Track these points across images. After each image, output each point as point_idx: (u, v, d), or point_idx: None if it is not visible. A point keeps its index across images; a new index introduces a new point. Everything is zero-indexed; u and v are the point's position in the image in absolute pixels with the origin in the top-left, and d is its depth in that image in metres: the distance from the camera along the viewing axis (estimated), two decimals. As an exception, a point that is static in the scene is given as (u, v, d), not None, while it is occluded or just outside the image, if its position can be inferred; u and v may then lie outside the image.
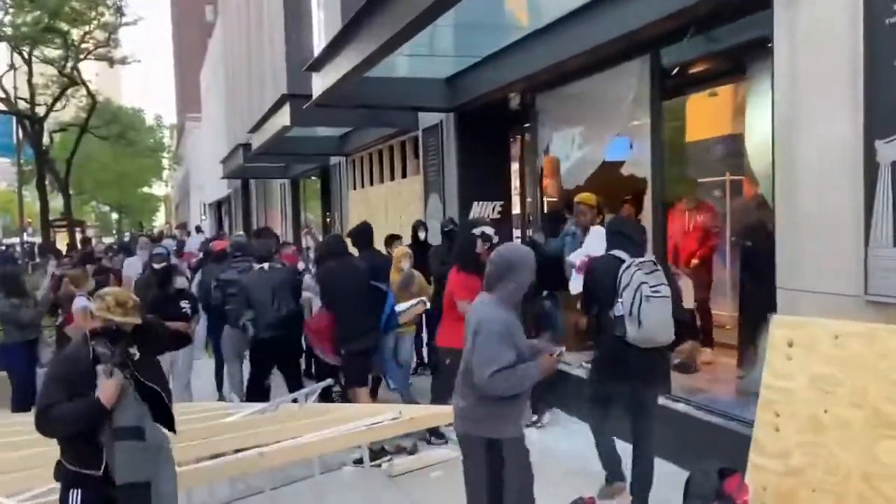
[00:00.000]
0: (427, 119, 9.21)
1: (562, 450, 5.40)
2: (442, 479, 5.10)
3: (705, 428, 4.88)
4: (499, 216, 8.71)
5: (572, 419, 6.08)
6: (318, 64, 7.55)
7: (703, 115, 6.30)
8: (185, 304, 6.63)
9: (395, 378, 6.53)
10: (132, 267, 9.74)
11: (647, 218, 5.55)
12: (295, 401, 5.39)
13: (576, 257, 5.56)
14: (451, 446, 5.44)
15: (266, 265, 6.56)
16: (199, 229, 34.63)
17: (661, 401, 4.63)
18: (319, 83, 7.78)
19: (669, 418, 4.85)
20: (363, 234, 7.09)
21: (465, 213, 8.59)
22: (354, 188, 13.05)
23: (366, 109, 8.97)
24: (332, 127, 10.94)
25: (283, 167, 17.59)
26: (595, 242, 5.11)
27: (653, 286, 3.96)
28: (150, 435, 3.12)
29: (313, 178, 17.63)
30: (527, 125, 8.74)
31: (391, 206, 11.08)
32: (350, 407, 5.41)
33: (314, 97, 7.82)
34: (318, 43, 12.20)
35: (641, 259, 4.09)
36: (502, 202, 8.77)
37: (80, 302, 7.01)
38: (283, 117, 9.66)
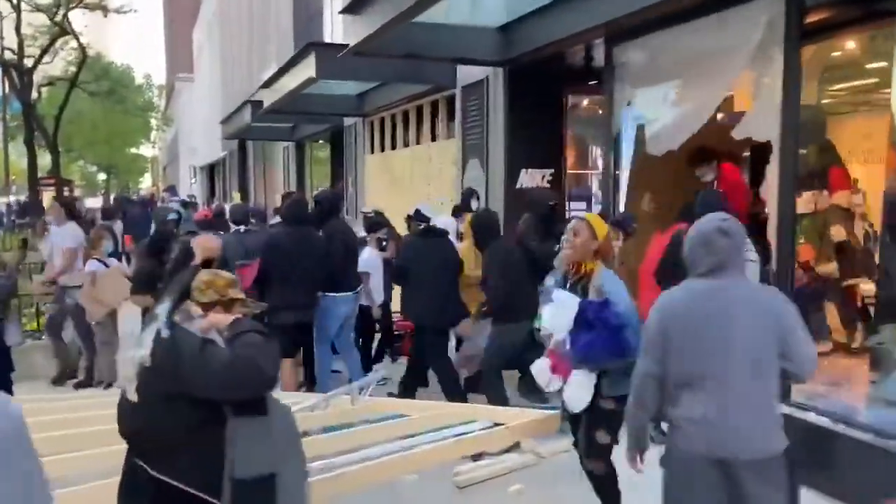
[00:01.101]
0: (468, 75, 8.23)
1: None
2: (525, 495, 4.25)
3: (845, 444, 4.08)
4: (548, 185, 7.84)
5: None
6: (357, 5, 6.54)
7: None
8: None
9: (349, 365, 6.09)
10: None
11: (770, 194, 4.66)
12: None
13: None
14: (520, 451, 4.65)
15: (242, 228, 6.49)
16: (192, 198, 33.60)
17: (786, 409, 3.85)
18: (358, 28, 6.77)
19: (796, 430, 4.05)
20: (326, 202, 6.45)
21: (512, 182, 7.69)
22: (372, 152, 12.05)
23: (400, 62, 7.97)
24: (360, 81, 9.89)
25: (288, 129, 16.52)
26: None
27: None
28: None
29: (321, 141, 16.58)
30: (592, 82, 7.86)
31: (417, 173, 10.12)
32: (411, 405, 4.51)
33: (352, 44, 6.81)
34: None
35: None
36: (552, 170, 7.87)
37: (91, 265, 6.09)
38: (307, 69, 8.62)
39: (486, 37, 7.15)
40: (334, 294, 6.00)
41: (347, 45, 8.76)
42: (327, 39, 13.19)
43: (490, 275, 5.34)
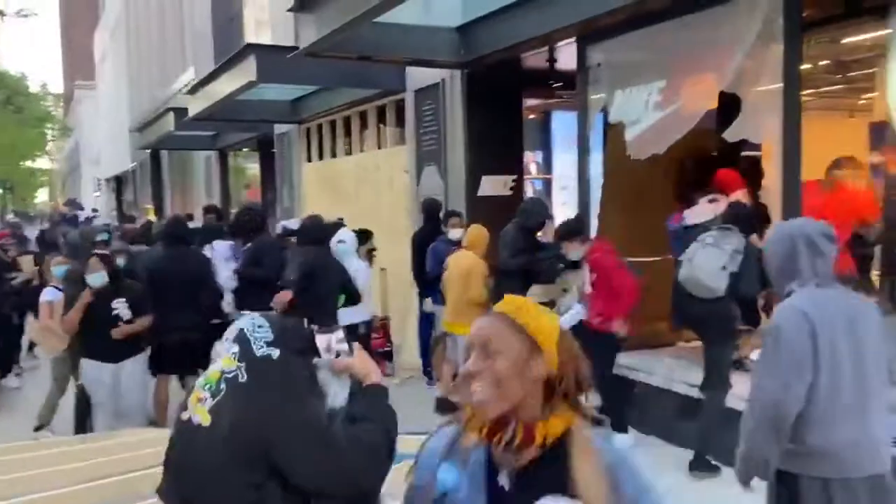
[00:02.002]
0: (420, 78, 7.84)
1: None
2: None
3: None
4: (511, 192, 7.54)
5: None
6: (308, 2, 6.04)
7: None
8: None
9: None
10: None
11: (772, 193, 4.50)
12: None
13: None
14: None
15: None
16: (80, 207, 31.67)
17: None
18: (308, 28, 6.27)
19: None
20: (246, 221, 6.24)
21: (474, 189, 7.35)
22: (310, 160, 11.45)
23: (346, 64, 7.49)
24: (302, 85, 9.31)
25: (210, 137, 15.64)
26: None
27: (714, 237, 4.47)
28: None
29: (246, 149, 15.78)
30: (556, 84, 7.64)
31: (364, 182, 9.62)
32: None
33: (302, 46, 6.30)
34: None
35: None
36: (514, 176, 7.58)
37: (47, 294, 5.31)
38: (246, 72, 8.01)
39: (444, 38, 6.80)
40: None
41: (288, 47, 8.28)
42: (248, 41, 12.53)
43: None
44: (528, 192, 8.38)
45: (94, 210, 32.14)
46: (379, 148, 9.41)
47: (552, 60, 7.07)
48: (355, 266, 6.13)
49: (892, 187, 5.76)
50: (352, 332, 6.34)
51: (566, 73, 7.01)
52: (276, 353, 1.81)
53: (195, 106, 10.64)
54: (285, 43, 9.61)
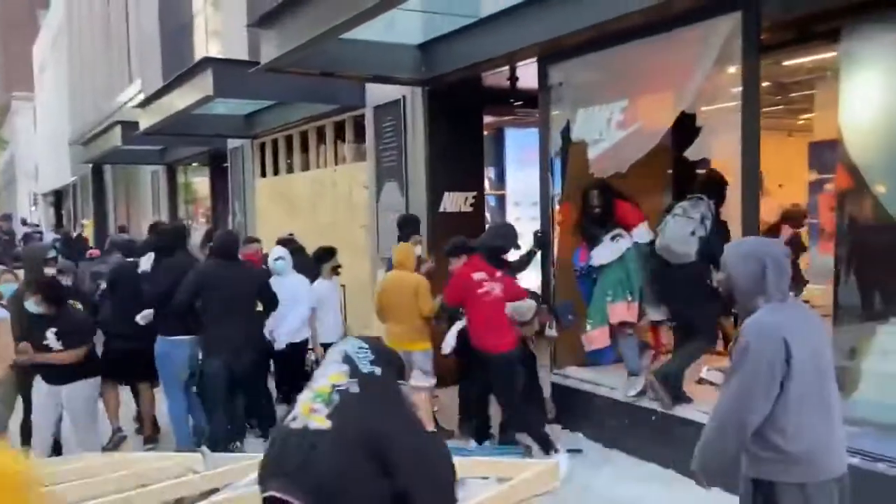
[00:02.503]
0: (380, 95, 7.84)
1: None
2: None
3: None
4: (471, 209, 7.60)
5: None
6: (273, 18, 5.99)
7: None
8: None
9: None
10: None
11: (732, 212, 4.64)
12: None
13: None
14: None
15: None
16: (24, 222, 30.58)
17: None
18: (269, 43, 6.22)
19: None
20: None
21: (435, 205, 7.38)
22: (263, 176, 11.30)
23: (305, 80, 7.43)
24: (260, 100, 9.19)
25: (157, 151, 15.30)
26: None
27: (683, 207, 4.93)
28: None
29: (195, 164, 15.49)
30: (517, 103, 7.74)
31: (321, 198, 9.54)
32: None
33: (263, 61, 6.24)
34: None
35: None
36: (475, 193, 7.64)
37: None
38: (202, 87, 7.88)
39: (406, 55, 6.82)
40: (171, 337, 5.52)
41: (245, 61, 8.19)
42: (199, 55, 12.33)
43: None
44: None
45: (37, 225, 30.99)
46: (337, 164, 9.35)
47: (513, 79, 7.16)
48: (291, 282, 6.19)
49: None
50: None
51: (527, 92, 7.11)
52: (378, 370, 2.17)
53: (145, 120, 10.41)
54: (237, 55, 9.53)
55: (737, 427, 2.54)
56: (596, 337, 5.50)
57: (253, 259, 6.47)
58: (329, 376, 2.13)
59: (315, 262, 6.54)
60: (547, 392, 5.94)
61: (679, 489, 4.52)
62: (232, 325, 5.30)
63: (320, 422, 2.03)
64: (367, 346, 2.21)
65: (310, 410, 2.07)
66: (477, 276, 5.23)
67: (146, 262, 5.96)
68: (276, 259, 6.30)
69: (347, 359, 2.16)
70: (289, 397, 6.26)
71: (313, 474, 1.98)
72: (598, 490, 4.68)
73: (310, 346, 6.48)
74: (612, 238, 5.41)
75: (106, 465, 3.76)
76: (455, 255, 5.57)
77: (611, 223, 5.46)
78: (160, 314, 5.53)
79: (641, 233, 5.40)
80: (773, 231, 6.51)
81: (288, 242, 7.06)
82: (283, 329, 6.12)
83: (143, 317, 5.58)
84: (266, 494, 2.06)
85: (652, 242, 5.16)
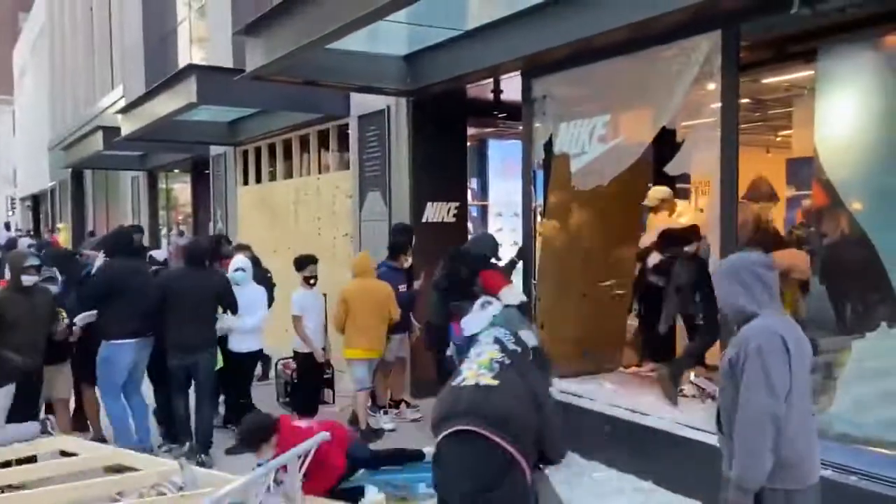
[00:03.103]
0: (364, 104, 7.87)
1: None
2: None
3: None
4: (454, 219, 7.63)
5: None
6: (259, 26, 6.01)
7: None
8: None
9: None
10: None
11: (711, 224, 4.71)
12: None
13: None
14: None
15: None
16: (7, 226, 30.21)
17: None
18: (255, 51, 6.23)
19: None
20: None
21: (418, 215, 7.40)
22: (246, 183, 11.27)
23: (289, 88, 7.44)
24: (243, 107, 9.18)
25: (138, 157, 15.21)
26: None
27: None
28: None
29: (177, 171, 15.41)
30: (500, 115, 7.80)
31: (304, 206, 9.54)
32: None
33: (249, 69, 6.25)
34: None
35: None
36: (458, 203, 7.68)
37: None
38: (186, 93, 7.86)
39: (391, 66, 6.86)
40: (113, 341, 5.62)
41: (228, 69, 8.19)
42: (183, 62, 12.29)
43: None
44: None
45: (18, 229, 30.55)
46: (320, 172, 9.36)
47: (497, 91, 7.23)
48: (249, 291, 6.35)
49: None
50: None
51: (511, 104, 7.18)
52: (518, 349, 3.02)
53: (127, 125, 10.35)
54: (222, 62, 9.52)
55: (773, 420, 2.52)
56: None
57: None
58: (488, 353, 2.95)
59: (296, 270, 6.53)
60: None
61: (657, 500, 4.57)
62: (191, 328, 5.62)
63: (488, 380, 2.82)
64: (509, 332, 3.07)
65: (476, 374, 2.86)
66: None
67: (96, 265, 6.20)
68: (236, 270, 6.38)
69: (498, 341, 3.02)
70: (236, 404, 6.31)
71: (490, 412, 2.72)
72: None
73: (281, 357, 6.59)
74: (483, 305, 5.37)
75: (96, 459, 3.74)
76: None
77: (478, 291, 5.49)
78: (102, 317, 5.62)
79: (507, 295, 5.39)
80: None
81: (245, 250, 7.16)
82: (234, 336, 6.30)
83: (82, 318, 5.64)
84: (449, 431, 2.76)
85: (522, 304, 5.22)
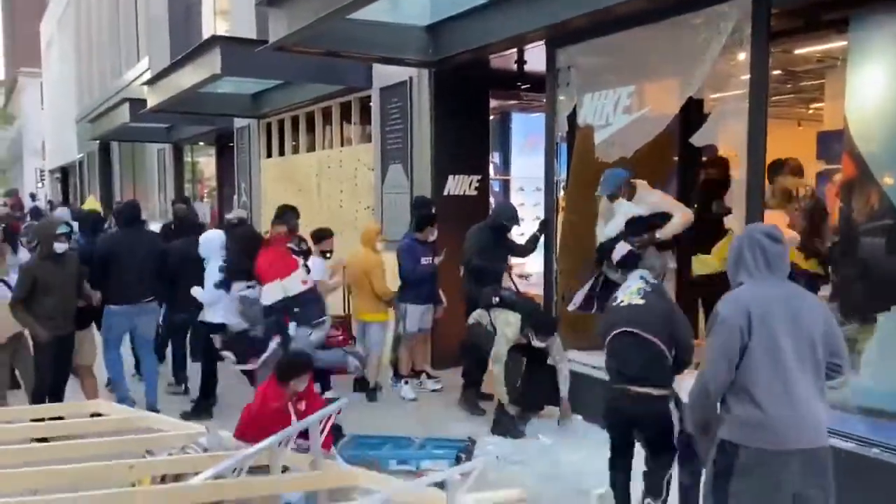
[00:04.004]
0: (386, 76, 7.83)
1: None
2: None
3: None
4: (476, 192, 7.61)
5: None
6: (280, -5, 5.97)
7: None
8: None
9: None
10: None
11: (737, 197, 4.64)
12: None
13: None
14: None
15: None
16: (33, 197, 30.66)
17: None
18: (277, 22, 6.21)
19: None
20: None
21: (440, 188, 7.39)
22: (269, 156, 11.32)
23: (311, 60, 7.42)
24: (266, 79, 9.19)
25: (164, 129, 15.31)
26: None
27: None
28: None
29: (202, 143, 15.51)
30: (523, 86, 7.73)
31: (326, 179, 9.56)
32: (378, 478, 3.41)
33: (272, 39, 6.23)
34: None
35: None
36: (480, 177, 7.65)
37: None
38: (210, 65, 7.87)
39: (413, 36, 6.80)
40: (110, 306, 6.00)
41: (252, 40, 8.18)
42: (206, 33, 12.29)
43: None
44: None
45: (50, 200, 30.95)
46: (342, 145, 9.36)
47: (520, 62, 7.14)
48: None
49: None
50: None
51: (534, 75, 7.10)
52: (655, 284, 3.98)
53: (153, 97, 10.41)
54: (245, 34, 9.52)
55: (702, 391, 2.81)
56: None
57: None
58: (637, 284, 3.90)
59: (314, 243, 6.56)
60: (564, 390, 5.63)
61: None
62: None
63: (638, 300, 3.80)
64: (647, 274, 4.00)
65: (629, 297, 3.84)
66: None
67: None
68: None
69: (642, 278, 3.94)
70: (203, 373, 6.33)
71: (641, 320, 3.72)
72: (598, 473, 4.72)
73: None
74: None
75: (116, 421, 3.83)
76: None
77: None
78: (102, 284, 5.88)
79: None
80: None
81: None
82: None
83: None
84: (615, 332, 3.78)
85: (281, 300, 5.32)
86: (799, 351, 2.69)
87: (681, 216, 5.05)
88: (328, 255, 6.58)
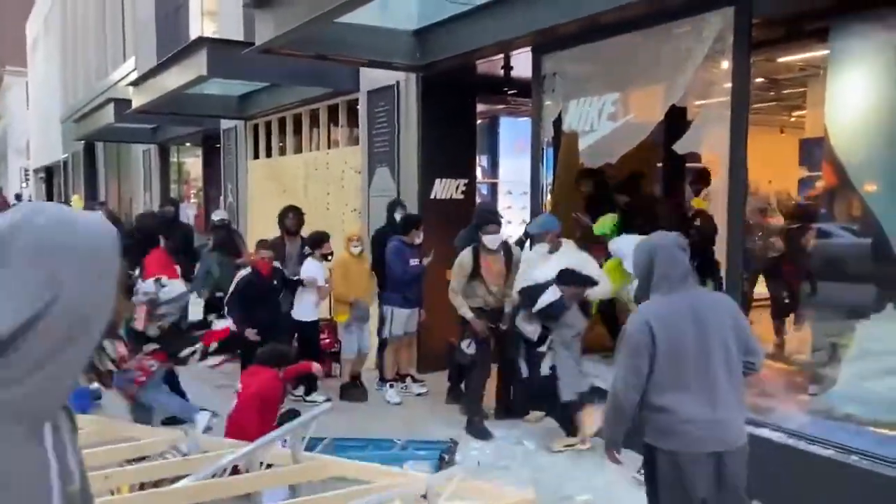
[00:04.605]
0: (374, 79, 7.84)
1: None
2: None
3: (796, 457, 4.14)
4: (462, 196, 7.63)
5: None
6: (267, -2, 5.98)
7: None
8: None
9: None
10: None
11: (719, 204, 4.69)
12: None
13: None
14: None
15: None
16: (18, 197, 30.37)
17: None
18: (264, 24, 6.20)
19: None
20: None
21: (427, 191, 7.41)
22: (256, 158, 11.29)
23: (299, 62, 7.41)
24: (252, 81, 9.17)
25: (150, 130, 15.24)
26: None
27: None
28: None
29: (188, 144, 15.44)
30: (510, 92, 7.77)
31: (313, 181, 9.55)
32: (370, 469, 3.41)
33: (259, 42, 6.23)
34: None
35: None
36: (467, 181, 7.67)
37: None
38: (196, 66, 7.85)
39: (401, 40, 6.82)
40: None
41: (239, 42, 8.16)
42: (194, 34, 12.24)
43: None
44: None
45: (18, 196, 30.74)
46: (330, 147, 9.36)
47: (507, 68, 7.18)
48: None
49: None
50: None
51: (520, 81, 7.14)
52: None
53: (138, 98, 10.36)
54: (233, 36, 9.48)
55: (613, 403, 2.95)
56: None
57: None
58: None
59: (310, 247, 6.63)
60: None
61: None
62: None
63: None
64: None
65: None
66: None
67: None
68: None
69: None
70: None
71: None
72: (578, 479, 4.76)
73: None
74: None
75: (89, 432, 3.78)
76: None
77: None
78: None
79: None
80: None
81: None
82: None
83: None
84: None
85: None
86: (707, 355, 2.78)
87: (607, 285, 5.17)
88: (329, 257, 6.65)
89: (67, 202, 25.43)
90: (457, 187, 7.55)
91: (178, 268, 6.01)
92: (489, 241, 5.49)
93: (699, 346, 2.79)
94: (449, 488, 2.83)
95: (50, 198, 31.73)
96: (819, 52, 5.06)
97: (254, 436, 3.62)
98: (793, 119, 9.34)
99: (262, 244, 6.58)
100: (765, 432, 4.26)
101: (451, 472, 3.06)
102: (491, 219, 5.65)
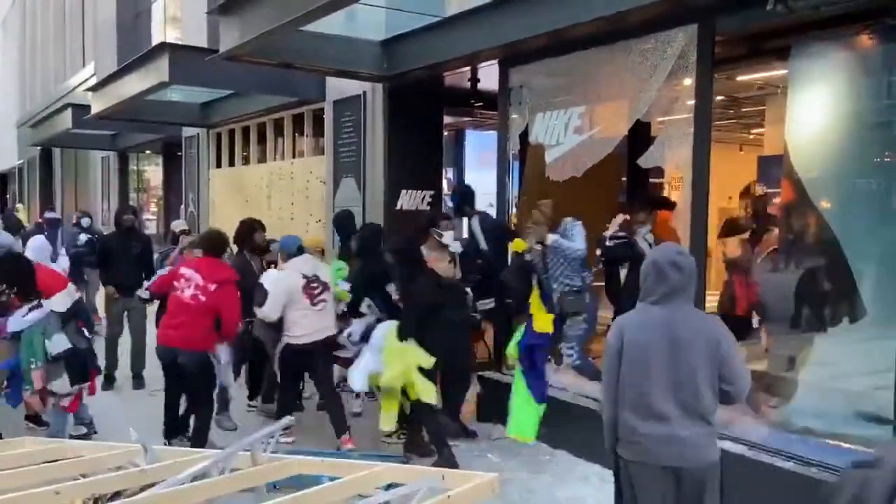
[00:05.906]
0: (340, 89, 7.80)
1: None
2: None
3: (760, 470, 4.18)
4: (428, 207, 7.61)
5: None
6: (233, 5, 5.90)
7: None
8: None
9: None
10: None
11: (681, 219, 4.74)
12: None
13: None
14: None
15: None
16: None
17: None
18: (229, 31, 6.12)
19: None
20: None
21: (392, 202, 7.37)
22: (219, 166, 11.13)
23: (264, 70, 7.32)
24: (216, 89, 9.04)
25: (109, 137, 14.93)
26: None
27: None
28: None
29: (148, 151, 15.18)
30: (477, 104, 7.79)
31: (277, 191, 9.44)
32: (332, 465, 3.72)
33: (223, 49, 6.14)
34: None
35: None
36: (433, 192, 7.66)
37: None
38: (157, 72, 7.71)
39: (367, 51, 6.79)
40: None
41: (202, 48, 8.06)
42: (156, 40, 12.07)
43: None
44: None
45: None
46: (294, 157, 9.27)
47: (474, 80, 7.20)
48: None
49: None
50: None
51: (487, 94, 7.16)
52: None
53: (98, 103, 10.14)
54: (195, 42, 9.36)
55: (602, 408, 3.01)
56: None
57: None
58: None
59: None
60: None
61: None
62: None
63: None
64: None
65: None
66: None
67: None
68: None
69: None
70: None
71: None
72: (539, 491, 4.73)
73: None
74: (30, 309, 5.05)
75: (45, 451, 3.64)
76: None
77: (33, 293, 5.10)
78: None
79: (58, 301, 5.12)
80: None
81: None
82: None
83: None
84: None
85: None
86: (673, 370, 2.79)
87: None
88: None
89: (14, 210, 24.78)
90: (423, 198, 7.53)
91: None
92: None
93: (666, 361, 2.79)
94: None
95: (3, 205, 30.85)
96: (779, 72, 5.18)
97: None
98: (752, 136, 9.54)
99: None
100: (726, 444, 4.29)
101: (411, 489, 2.99)
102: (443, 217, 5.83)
